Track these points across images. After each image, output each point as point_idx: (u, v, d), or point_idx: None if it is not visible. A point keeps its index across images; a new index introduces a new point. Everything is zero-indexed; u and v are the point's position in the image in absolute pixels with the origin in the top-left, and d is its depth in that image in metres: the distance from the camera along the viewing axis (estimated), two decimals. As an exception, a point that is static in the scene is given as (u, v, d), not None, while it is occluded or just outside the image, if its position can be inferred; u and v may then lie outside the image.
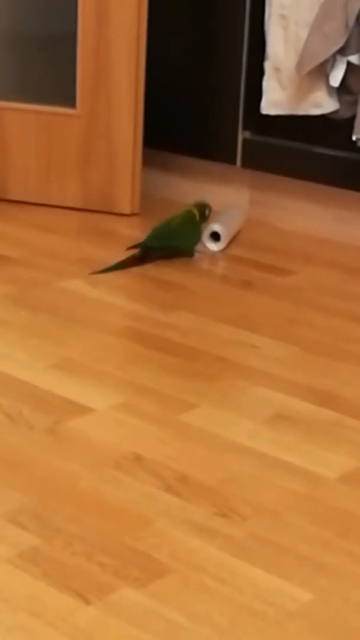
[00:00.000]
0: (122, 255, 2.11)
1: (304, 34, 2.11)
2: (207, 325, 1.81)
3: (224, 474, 1.34)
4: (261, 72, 2.21)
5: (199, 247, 2.17)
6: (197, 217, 2.14)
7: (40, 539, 1.18)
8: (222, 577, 1.13)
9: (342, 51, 2.08)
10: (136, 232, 2.28)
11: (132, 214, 2.41)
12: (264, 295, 1.97)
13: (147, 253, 2.10)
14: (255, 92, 2.26)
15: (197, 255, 2.14)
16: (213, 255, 2.16)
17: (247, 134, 2.36)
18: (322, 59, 2.08)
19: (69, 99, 2.38)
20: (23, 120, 2.41)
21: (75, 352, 1.68)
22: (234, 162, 2.38)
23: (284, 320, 1.85)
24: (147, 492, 1.29)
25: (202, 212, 2.16)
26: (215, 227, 2.17)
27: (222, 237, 2.18)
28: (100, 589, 1.10)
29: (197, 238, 2.16)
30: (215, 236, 2.18)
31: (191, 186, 2.50)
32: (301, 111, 2.17)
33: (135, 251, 2.10)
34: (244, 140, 2.36)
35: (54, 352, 1.68)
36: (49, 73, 2.46)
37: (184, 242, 2.13)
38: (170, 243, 2.12)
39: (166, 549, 1.17)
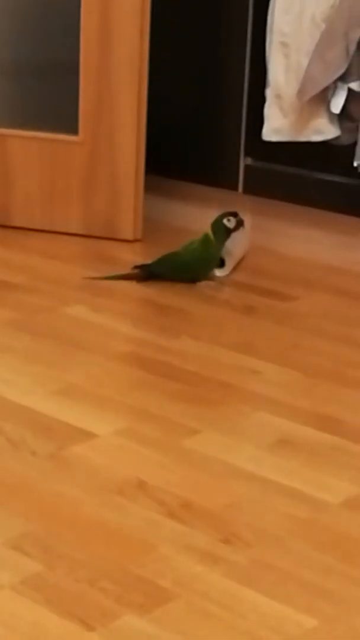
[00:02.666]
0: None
1: (305, 61, 2.12)
2: (210, 351, 1.81)
3: (227, 499, 1.34)
4: (263, 99, 2.22)
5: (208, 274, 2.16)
6: (211, 238, 2.11)
7: (43, 565, 1.18)
8: (226, 603, 1.13)
9: (343, 78, 2.09)
10: (138, 258, 2.28)
11: (135, 240, 2.42)
12: (266, 321, 1.97)
13: (150, 276, 2.11)
14: (256, 119, 2.27)
15: (203, 282, 2.14)
16: (216, 280, 2.17)
17: (249, 161, 2.37)
18: (323, 86, 2.09)
19: (71, 126, 2.39)
20: (26, 148, 2.43)
21: (78, 378, 1.68)
22: (236, 188, 2.39)
23: (287, 346, 1.85)
24: (150, 518, 1.28)
25: (221, 226, 2.11)
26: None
27: (227, 263, 2.18)
28: (104, 615, 1.10)
29: (209, 267, 2.15)
30: (220, 262, 2.18)
31: (193, 212, 2.51)
32: (302, 138, 2.18)
33: (138, 271, 2.12)
34: (246, 167, 2.37)
35: (57, 377, 1.68)
36: (51, 100, 2.48)
37: (189, 274, 2.13)
38: (175, 274, 2.13)
39: (169, 575, 1.17)
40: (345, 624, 1.10)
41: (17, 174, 2.44)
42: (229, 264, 2.19)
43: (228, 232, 2.14)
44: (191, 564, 1.19)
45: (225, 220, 2.13)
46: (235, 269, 2.23)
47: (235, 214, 2.14)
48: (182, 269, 2.13)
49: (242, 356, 1.80)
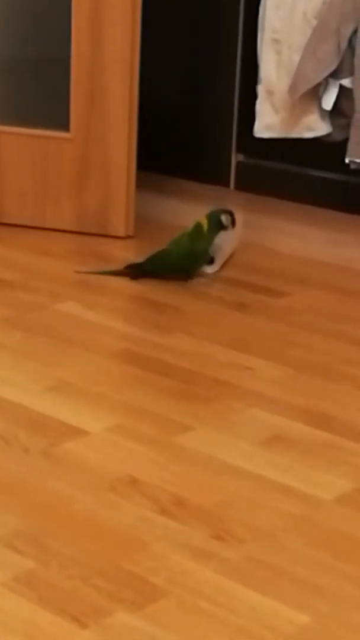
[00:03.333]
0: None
1: (296, 57, 2.12)
2: (203, 347, 1.81)
3: (220, 496, 1.34)
4: (254, 96, 2.22)
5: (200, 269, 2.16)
6: (205, 230, 2.12)
7: (35, 563, 1.18)
8: (219, 600, 1.13)
9: (335, 75, 2.09)
10: (130, 254, 2.28)
11: (127, 237, 2.42)
12: (259, 317, 1.97)
13: (142, 274, 2.11)
14: (248, 116, 2.27)
15: (193, 279, 2.14)
16: (207, 277, 2.16)
17: (241, 157, 2.37)
18: (314, 82, 2.09)
19: (62, 123, 2.39)
20: (17, 144, 2.42)
21: (71, 375, 1.68)
22: (227, 184, 2.39)
23: (280, 342, 1.85)
24: (143, 515, 1.28)
25: (217, 220, 2.12)
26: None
27: (216, 260, 2.19)
28: (97, 612, 1.10)
29: (198, 261, 2.15)
30: (209, 259, 2.18)
31: (185, 209, 2.51)
32: (294, 134, 2.18)
33: (130, 270, 2.12)
34: (238, 163, 2.37)
35: (49, 374, 1.68)
36: (43, 97, 2.47)
37: (181, 270, 2.13)
38: (166, 270, 2.13)
39: (162, 572, 1.17)
40: (338, 621, 1.10)
41: (9, 171, 2.44)
42: (219, 260, 2.19)
43: (221, 228, 2.14)
44: (184, 560, 1.19)
45: (222, 217, 2.13)
46: (224, 265, 2.23)
47: (231, 213, 2.15)
48: (173, 265, 2.13)
49: (235, 353, 1.80)
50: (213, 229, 2.13)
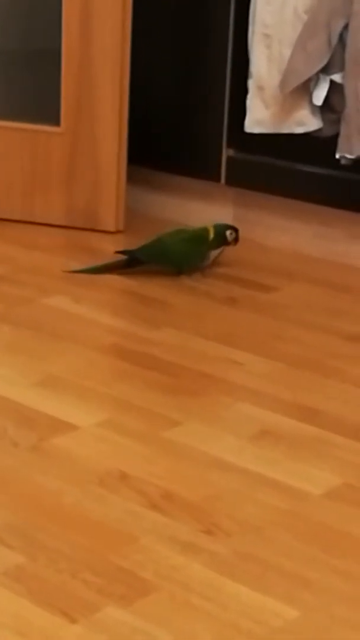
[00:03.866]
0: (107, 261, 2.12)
1: (287, 52, 2.12)
2: (191, 342, 1.81)
3: (208, 490, 1.34)
4: (245, 91, 2.22)
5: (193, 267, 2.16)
6: (209, 239, 2.13)
7: (24, 557, 1.18)
8: (207, 594, 1.13)
9: (325, 70, 2.09)
10: (120, 249, 2.28)
11: (117, 231, 2.41)
12: (247, 312, 1.97)
13: (134, 263, 2.11)
14: (239, 110, 2.27)
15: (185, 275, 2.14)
16: (197, 272, 2.16)
17: (231, 152, 2.37)
18: (305, 77, 2.09)
19: (52, 117, 2.38)
20: (7, 138, 2.42)
21: (60, 369, 1.68)
22: (218, 179, 2.39)
23: (268, 337, 1.85)
24: (132, 509, 1.28)
25: (222, 234, 2.15)
26: None
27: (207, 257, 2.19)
28: (86, 607, 1.10)
29: (196, 259, 2.15)
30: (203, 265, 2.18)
31: (175, 203, 2.51)
32: (285, 129, 2.18)
33: (121, 257, 2.11)
34: (228, 158, 2.37)
35: (38, 369, 1.67)
36: (32, 91, 2.47)
37: (173, 265, 2.13)
38: (158, 262, 2.12)
39: (151, 567, 1.17)
40: (327, 615, 1.10)
41: (-2, 165, 2.43)
42: (210, 256, 2.19)
43: (223, 243, 2.16)
44: (173, 554, 1.19)
45: (227, 232, 2.15)
46: (215, 261, 2.23)
47: (236, 230, 2.17)
48: (167, 258, 2.12)
49: (224, 347, 1.80)
50: (216, 240, 2.15)
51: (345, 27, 2.05)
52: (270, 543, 1.23)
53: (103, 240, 2.35)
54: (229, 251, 2.31)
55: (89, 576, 1.15)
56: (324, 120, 2.15)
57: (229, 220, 2.41)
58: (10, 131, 2.41)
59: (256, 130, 2.21)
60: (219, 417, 1.54)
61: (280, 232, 2.38)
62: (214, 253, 2.19)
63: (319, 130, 2.16)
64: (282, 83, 2.12)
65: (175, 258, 2.12)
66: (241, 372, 1.70)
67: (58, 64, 2.35)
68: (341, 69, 2.08)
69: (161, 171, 2.50)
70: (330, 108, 2.13)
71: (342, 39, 2.06)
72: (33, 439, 1.45)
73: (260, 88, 2.18)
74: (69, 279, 2.09)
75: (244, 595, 1.13)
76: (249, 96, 2.20)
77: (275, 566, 1.18)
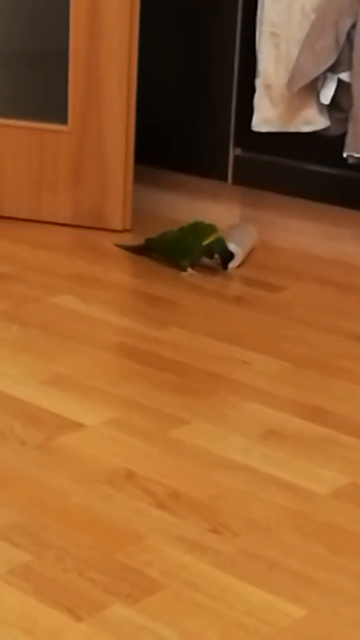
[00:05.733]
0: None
1: (294, 51, 2.12)
2: (198, 341, 1.81)
3: (215, 490, 1.34)
4: (252, 90, 2.22)
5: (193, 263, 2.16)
6: (211, 239, 2.13)
7: (31, 555, 1.18)
8: (214, 593, 1.13)
9: (333, 69, 2.09)
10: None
11: (124, 230, 2.41)
12: (254, 311, 1.97)
13: (147, 250, 2.20)
14: (246, 109, 2.27)
15: (188, 272, 2.14)
16: (226, 273, 2.15)
17: (239, 151, 2.36)
18: (312, 76, 2.09)
19: (60, 116, 2.38)
20: (14, 137, 2.42)
21: (67, 368, 1.68)
22: (225, 178, 2.39)
23: (275, 336, 1.85)
24: (139, 508, 1.28)
25: (226, 248, 2.14)
26: (230, 246, 2.16)
27: (237, 255, 2.17)
28: (92, 605, 1.10)
29: (195, 254, 2.15)
30: (229, 255, 2.16)
31: (182, 203, 2.51)
32: (292, 128, 2.18)
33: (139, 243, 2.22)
34: (235, 157, 2.37)
35: (45, 368, 1.68)
36: (40, 90, 2.47)
37: (175, 254, 2.14)
38: (165, 250, 2.16)
39: (157, 565, 1.17)
40: (333, 614, 1.10)
41: (6, 163, 2.43)
42: (239, 256, 2.18)
43: (225, 254, 2.13)
44: (179, 553, 1.19)
45: (230, 245, 2.15)
46: (244, 262, 2.22)
47: (232, 255, 2.15)
48: (168, 247, 2.15)
49: (231, 346, 1.80)
50: (214, 249, 2.13)
51: (353, 26, 2.05)
52: (277, 542, 1.23)
53: (110, 238, 2.35)
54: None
55: (96, 574, 1.15)
56: (331, 119, 2.15)
57: (235, 219, 2.41)
58: (18, 130, 2.41)
59: (263, 129, 2.21)
60: (226, 417, 1.54)
61: (287, 231, 2.38)
62: (236, 238, 2.19)
63: (327, 129, 2.16)
64: (290, 82, 2.12)
65: (177, 252, 2.14)
66: (248, 371, 1.70)
67: (66, 64, 2.35)
68: (349, 67, 2.07)
69: (168, 170, 2.50)
70: (338, 107, 2.13)
71: (349, 37, 2.06)
72: (40, 438, 1.45)
73: (268, 87, 2.17)
74: (76, 279, 2.09)
75: (250, 594, 1.13)
76: (257, 95, 2.20)
77: (282, 565, 1.18)
